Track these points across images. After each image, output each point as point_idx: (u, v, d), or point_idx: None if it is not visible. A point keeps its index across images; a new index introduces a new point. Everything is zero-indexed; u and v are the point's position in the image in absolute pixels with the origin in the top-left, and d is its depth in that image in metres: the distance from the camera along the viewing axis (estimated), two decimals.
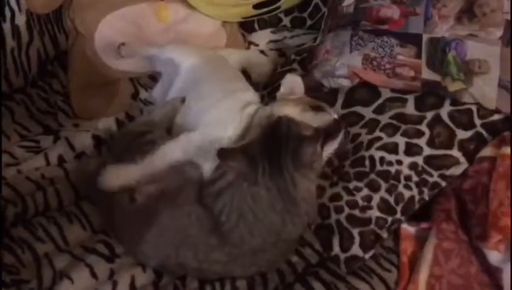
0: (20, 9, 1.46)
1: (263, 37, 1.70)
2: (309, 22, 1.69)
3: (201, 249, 1.12)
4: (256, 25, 1.70)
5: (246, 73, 1.52)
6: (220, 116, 1.24)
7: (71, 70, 1.53)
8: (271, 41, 1.69)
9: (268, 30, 1.70)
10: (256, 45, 1.69)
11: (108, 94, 1.51)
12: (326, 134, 1.14)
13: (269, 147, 1.12)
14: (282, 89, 1.25)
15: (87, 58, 1.52)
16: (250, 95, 1.31)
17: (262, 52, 1.66)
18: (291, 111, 1.17)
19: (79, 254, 1.16)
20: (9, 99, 1.48)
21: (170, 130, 1.31)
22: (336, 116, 1.21)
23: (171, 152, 1.19)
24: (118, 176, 1.16)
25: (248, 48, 1.68)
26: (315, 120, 1.16)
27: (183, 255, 1.12)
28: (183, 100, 1.34)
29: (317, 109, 1.19)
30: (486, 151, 1.19)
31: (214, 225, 1.12)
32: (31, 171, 1.31)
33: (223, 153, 1.11)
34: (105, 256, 1.17)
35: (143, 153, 1.19)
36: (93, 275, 1.13)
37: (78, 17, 1.52)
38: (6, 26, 1.45)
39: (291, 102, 1.21)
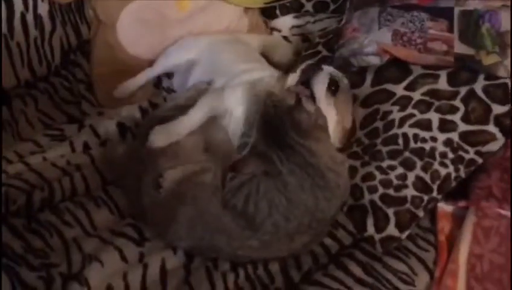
0: None
1: (286, 23, 1.67)
2: (332, 6, 1.67)
3: (236, 237, 1.10)
4: (278, 11, 1.68)
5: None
6: (236, 90, 1.29)
7: (94, 59, 1.52)
8: (294, 26, 1.66)
9: (290, 16, 1.68)
10: (279, 31, 1.67)
11: None
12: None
13: (271, 135, 1.12)
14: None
15: (110, 47, 1.52)
16: (262, 74, 1.35)
17: (285, 38, 1.64)
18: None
19: (107, 238, 1.14)
20: (33, 87, 1.48)
21: None
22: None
23: (209, 100, 1.25)
24: (167, 133, 1.18)
25: (270, 34, 1.66)
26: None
27: (217, 239, 1.10)
28: (208, 83, 1.36)
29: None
30: None
31: (244, 220, 1.10)
32: (57, 158, 1.30)
33: (237, 165, 1.12)
34: (134, 239, 1.14)
35: None
36: (123, 258, 1.11)
37: (99, 6, 1.52)
38: (29, 16, 1.45)
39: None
